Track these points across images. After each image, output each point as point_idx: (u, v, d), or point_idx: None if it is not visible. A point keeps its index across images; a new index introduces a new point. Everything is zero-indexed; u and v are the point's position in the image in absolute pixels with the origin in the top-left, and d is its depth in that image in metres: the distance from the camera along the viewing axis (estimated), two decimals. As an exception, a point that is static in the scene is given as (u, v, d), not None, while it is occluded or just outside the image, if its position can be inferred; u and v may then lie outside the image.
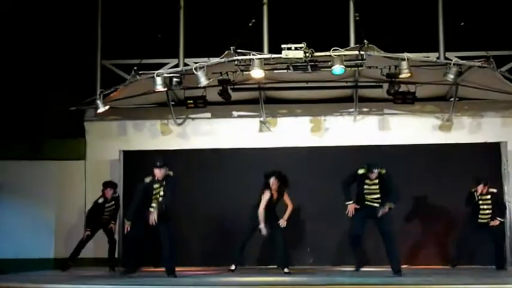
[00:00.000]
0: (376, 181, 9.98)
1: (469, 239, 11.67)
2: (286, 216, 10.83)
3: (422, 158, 12.74)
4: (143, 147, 13.15)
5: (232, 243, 12.55)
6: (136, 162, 12.61)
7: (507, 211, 12.39)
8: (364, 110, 13.40)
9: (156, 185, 9.76)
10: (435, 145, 12.93)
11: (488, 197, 11.46)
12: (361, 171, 10.08)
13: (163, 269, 9.98)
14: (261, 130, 13.52)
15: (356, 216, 10.11)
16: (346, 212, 10.13)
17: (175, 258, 9.90)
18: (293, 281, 8.79)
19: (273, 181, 10.60)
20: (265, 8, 11.49)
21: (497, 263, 11.47)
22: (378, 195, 9.97)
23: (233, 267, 10.97)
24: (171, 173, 9.88)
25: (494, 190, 11.58)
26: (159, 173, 9.74)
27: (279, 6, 11.68)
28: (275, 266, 11.53)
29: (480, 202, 11.44)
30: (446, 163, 12.66)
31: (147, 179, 9.81)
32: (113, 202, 11.70)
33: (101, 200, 11.65)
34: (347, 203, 10.14)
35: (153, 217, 9.52)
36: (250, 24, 11.19)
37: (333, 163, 12.57)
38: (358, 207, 10.07)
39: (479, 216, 11.46)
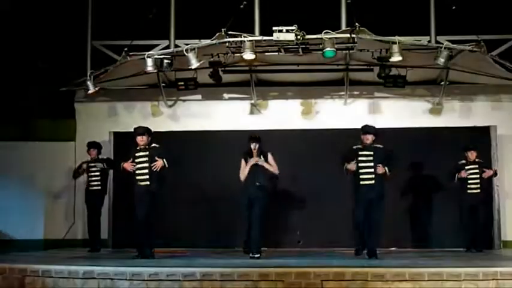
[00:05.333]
0: (371, 152, 9.77)
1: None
2: (266, 164, 10.21)
3: (413, 141, 12.76)
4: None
5: (222, 225, 12.65)
6: (127, 144, 12.58)
7: (495, 195, 12.51)
8: (355, 93, 13.41)
9: (140, 154, 9.82)
10: (425, 129, 12.96)
11: (476, 166, 11.57)
12: (355, 146, 9.93)
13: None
14: (251, 112, 13.52)
15: (358, 207, 9.94)
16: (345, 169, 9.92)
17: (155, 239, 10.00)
18: (280, 263, 8.81)
19: (254, 146, 10.24)
20: (256, -11, 11.45)
21: (473, 245, 11.53)
22: (372, 170, 9.72)
23: (257, 254, 9.99)
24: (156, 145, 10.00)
25: (481, 160, 11.70)
26: (141, 140, 9.85)
27: (270, -12, 11.65)
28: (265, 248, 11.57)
29: (469, 171, 11.53)
30: (436, 147, 12.69)
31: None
32: (97, 164, 11.74)
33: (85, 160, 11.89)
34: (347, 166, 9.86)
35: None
36: (241, 6, 11.15)
37: (323, 146, 12.60)
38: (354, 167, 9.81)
39: (468, 186, 11.54)
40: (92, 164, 11.77)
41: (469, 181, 11.56)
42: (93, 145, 11.82)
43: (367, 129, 9.91)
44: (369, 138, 9.84)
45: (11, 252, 10.69)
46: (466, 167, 11.57)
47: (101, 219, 11.94)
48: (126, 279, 7.68)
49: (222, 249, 11.86)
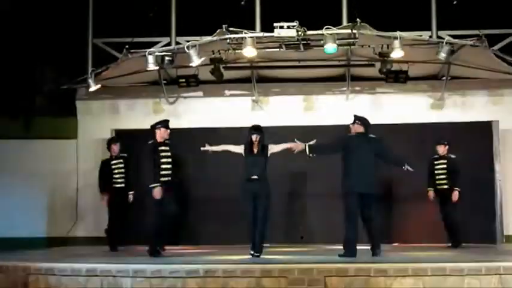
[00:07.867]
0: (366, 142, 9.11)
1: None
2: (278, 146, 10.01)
3: (414, 136, 12.75)
4: (135, 126, 13.09)
5: (224, 221, 12.64)
6: (129, 141, 12.60)
7: (497, 189, 12.48)
8: (357, 88, 13.40)
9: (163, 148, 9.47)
10: (427, 124, 12.94)
11: (445, 161, 11.31)
12: (350, 134, 9.38)
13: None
14: (253, 109, 13.52)
15: (351, 200, 9.18)
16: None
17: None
18: (283, 260, 8.82)
19: (255, 137, 9.84)
20: (257, -14, 11.47)
21: (454, 239, 11.27)
22: (367, 162, 9.04)
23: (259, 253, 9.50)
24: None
25: (453, 156, 11.33)
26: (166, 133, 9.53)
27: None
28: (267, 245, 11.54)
29: (436, 166, 11.33)
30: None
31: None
32: (121, 160, 11.26)
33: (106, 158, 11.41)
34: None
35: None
36: (242, 3, 11.16)
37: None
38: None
39: (437, 182, 11.30)
40: (116, 161, 11.27)
41: (437, 176, 11.34)
42: (116, 140, 11.44)
43: (355, 118, 9.34)
44: (357, 128, 9.23)
45: (12, 250, 10.68)
46: (435, 162, 11.37)
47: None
48: (129, 277, 7.67)
49: (225, 246, 11.83)
